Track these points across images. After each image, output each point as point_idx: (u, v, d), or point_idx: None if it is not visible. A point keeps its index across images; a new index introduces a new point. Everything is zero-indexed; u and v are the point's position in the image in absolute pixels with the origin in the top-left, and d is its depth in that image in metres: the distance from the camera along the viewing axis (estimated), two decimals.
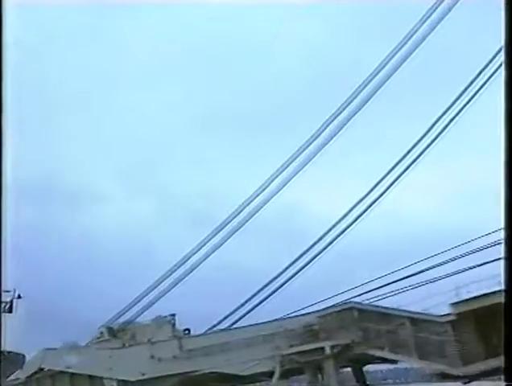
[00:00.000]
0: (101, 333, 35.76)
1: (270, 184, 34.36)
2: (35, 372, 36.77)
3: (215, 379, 31.80)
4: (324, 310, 29.40)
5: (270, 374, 29.71)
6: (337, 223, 30.52)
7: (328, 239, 31.11)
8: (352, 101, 33.19)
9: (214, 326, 34.43)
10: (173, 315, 34.92)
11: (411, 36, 34.22)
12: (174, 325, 34.69)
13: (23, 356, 64.94)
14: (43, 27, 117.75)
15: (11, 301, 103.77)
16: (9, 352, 68.57)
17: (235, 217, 33.82)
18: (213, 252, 34.81)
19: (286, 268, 32.33)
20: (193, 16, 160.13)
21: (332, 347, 27.88)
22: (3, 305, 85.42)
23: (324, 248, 31.28)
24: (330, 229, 30.92)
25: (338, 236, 30.28)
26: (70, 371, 34.83)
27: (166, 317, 35.22)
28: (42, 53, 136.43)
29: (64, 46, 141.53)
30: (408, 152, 32.41)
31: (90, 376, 34.50)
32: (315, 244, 30.98)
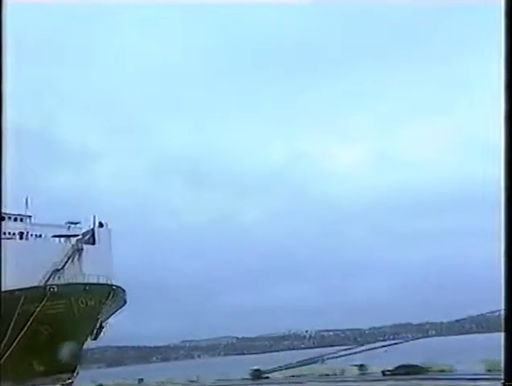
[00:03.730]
0: None
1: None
2: None
3: None
4: None
5: None
6: None
7: None
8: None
9: None
10: None
11: None
12: None
13: (124, 291, 58.34)
14: None
15: (92, 231, 75.64)
16: (117, 287, 57.16)
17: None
18: None
19: None
20: None
21: None
22: (80, 237, 70.12)
23: None
24: None
25: None
26: None
27: None
28: None
29: None
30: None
31: None
32: None
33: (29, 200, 72.72)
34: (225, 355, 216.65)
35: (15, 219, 72.66)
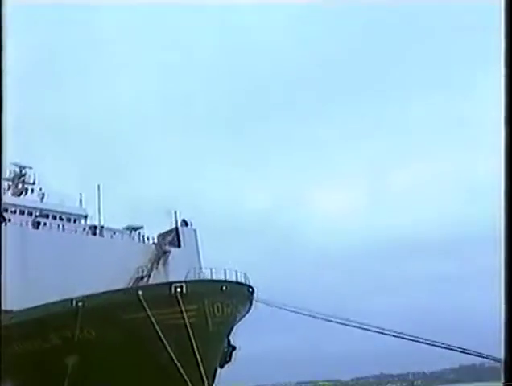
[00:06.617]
0: None
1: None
2: None
3: None
4: None
5: None
6: None
7: None
8: None
9: None
10: None
11: None
12: None
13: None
14: None
15: (176, 231, 61.25)
16: (253, 289, 44.58)
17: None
18: None
19: None
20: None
21: None
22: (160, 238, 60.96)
23: None
24: None
25: None
26: None
27: None
28: None
29: None
30: None
31: None
32: None
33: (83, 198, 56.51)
34: None
35: (68, 220, 55.75)
